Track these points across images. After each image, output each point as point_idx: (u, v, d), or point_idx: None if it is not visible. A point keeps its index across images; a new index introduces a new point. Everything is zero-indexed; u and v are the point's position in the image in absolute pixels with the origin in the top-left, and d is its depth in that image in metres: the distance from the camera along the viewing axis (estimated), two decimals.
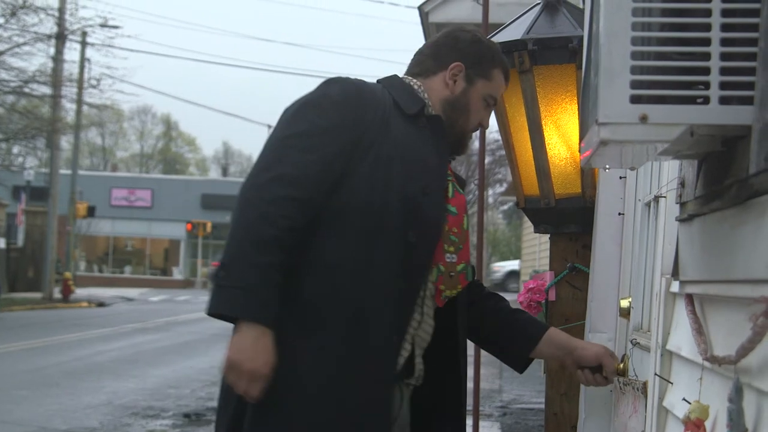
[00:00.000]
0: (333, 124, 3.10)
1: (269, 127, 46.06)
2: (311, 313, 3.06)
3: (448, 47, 3.43)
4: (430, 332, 3.34)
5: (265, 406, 3.03)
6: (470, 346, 3.71)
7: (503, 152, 5.86)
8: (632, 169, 3.87)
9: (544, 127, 4.80)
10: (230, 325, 3.04)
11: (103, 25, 35.79)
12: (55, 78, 33.75)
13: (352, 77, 3.29)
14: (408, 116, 3.27)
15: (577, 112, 4.65)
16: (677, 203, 2.85)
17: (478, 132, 4.01)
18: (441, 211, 3.26)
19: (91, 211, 41.23)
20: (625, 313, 4.16)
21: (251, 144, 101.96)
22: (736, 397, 2.05)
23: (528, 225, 33.60)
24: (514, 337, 3.66)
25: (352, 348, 3.05)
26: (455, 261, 3.30)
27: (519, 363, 3.69)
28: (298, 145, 3.05)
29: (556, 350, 3.65)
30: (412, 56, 3.52)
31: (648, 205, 3.97)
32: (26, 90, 33.34)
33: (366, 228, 3.08)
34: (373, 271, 3.07)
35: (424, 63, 3.44)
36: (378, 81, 3.41)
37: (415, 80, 3.41)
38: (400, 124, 3.22)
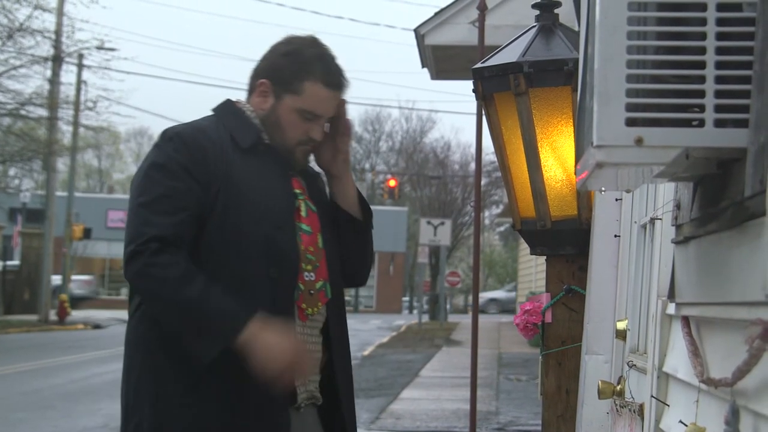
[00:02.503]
0: (183, 182, 3.17)
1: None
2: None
3: (265, 61, 3.38)
4: (318, 355, 3.40)
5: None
6: (466, 369, 3.71)
7: (499, 174, 5.87)
8: (628, 191, 3.88)
9: (540, 149, 4.81)
10: None
11: (99, 48, 35.82)
12: (52, 100, 33.77)
13: (187, 125, 3.30)
14: (245, 149, 3.29)
15: (572, 134, 4.66)
16: (673, 225, 2.85)
17: (474, 153, 3.99)
18: (295, 240, 3.30)
19: (87, 233, 41.15)
20: (622, 335, 4.16)
21: None
22: (733, 419, 2.04)
23: (524, 246, 33.61)
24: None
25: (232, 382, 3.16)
26: (314, 279, 3.35)
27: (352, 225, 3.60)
28: (159, 209, 3.14)
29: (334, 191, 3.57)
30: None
31: (644, 227, 3.97)
32: (23, 112, 33.36)
33: (231, 271, 3.17)
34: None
35: (250, 81, 3.42)
36: (213, 110, 3.39)
37: (246, 104, 3.39)
38: (239, 163, 3.25)
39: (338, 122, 3.45)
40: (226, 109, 3.38)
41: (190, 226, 3.16)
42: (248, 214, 3.22)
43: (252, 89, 3.39)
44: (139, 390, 3.24)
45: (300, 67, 3.31)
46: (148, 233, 3.10)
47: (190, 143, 3.21)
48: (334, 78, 3.38)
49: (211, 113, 3.41)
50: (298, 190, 3.39)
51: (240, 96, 3.48)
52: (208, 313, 3.08)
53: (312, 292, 3.34)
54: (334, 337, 3.47)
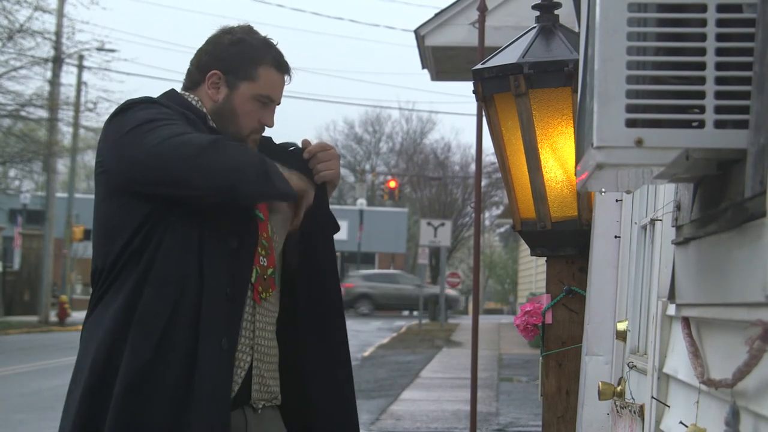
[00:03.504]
0: (170, 113, 3.18)
1: None
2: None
3: (207, 54, 3.35)
4: (274, 350, 3.39)
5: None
6: (467, 370, 3.72)
7: (500, 175, 5.87)
8: (628, 192, 3.88)
9: (540, 150, 4.81)
10: None
11: (99, 49, 35.79)
12: (52, 101, 33.77)
13: (142, 98, 3.27)
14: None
15: (573, 135, 4.67)
16: (673, 226, 2.85)
17: (474, 154, 4.00)
18: (255, 215, 3.32)
19: (87, 234, 41.11)
20: (622, 336, 4.16)
21: None
22: (733, 420, 2.05)
23: (524, 247, 33.64)
24: None
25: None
26: (266, 264, 3.37)
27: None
28: (157, 121, 3.11)
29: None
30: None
31: (644, 228, 3.97)
32: (23, 113, 33.35)
33: (192, 233, 3.15)
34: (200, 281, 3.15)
35: (191, 75, 3.38)
36: (160, 98, 3.34)
37: (189, 95, 3.37)
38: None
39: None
40: (173, 98, 3.34)
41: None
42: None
43: (197, 82, 3.36)
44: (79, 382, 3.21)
45: (252, 54, 3.32)
46: (158, 136, 3.07)
47: (166, 104, 3.24)
48: (283, 62, 3.41)
49: (156, 99, 3.35)
50: None
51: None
52: (245, 162, 3.14)
53: (265, 277, 3.35)
54: (309, 336, 3.45)
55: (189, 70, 3.41)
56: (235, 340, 3.21)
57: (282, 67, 3.40)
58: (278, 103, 3.42)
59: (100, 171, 3.24)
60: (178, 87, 3.45)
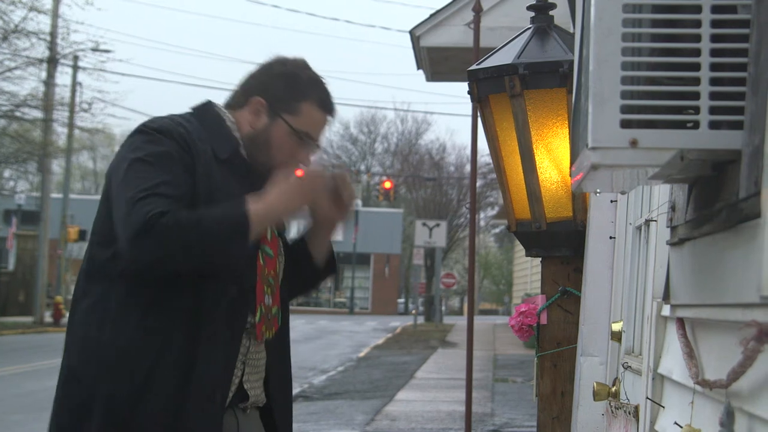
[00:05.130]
0: (173, 151, 3.11)
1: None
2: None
3: (256, 80, 3.32)
4: (263, 361, 3.40)
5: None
6: (462, 371, 3.73)
7: (495, 175, 5.88)
8: (623, 193, 3.89)
9: (535, 150, 4.82)
10: None
11: (94, 50, 35.79)
12: (47, 102, 33.76)
13: (174, 122, 3.21)
14: (221, 160, 3.22)
15: (568, 136, 4.67)
16: (668, 227, 2.86)
17: (470, 155, 3.99)
18: (256, 259, 3.27)
19: (82, 235, 41.08)
20: (617, 336, 4.16)
21: None
22: (728, 421, 2.05)
23: (519, 248, 33.63)
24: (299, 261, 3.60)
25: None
26: (271, 304, 3.34)
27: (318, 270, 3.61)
28: (155, 163, 3.07)
29: (313, 238, 3.57)
30: None
31: (639, 228, 3.98)
32: (18, 114, 33.35)
33: (190, 282, 3.11)
34: (197, 320, 3.12)
35: (236, 95, 3.35)
36: (194, 111, 3.32)
37: (228, 114, 3.32)
38: (216, 173, 3.18)
39: (345, 190, 3.40)
40: (207, 113, 3.31)
41: (187, 185, 3.10)
42: None
43: (239, 104, 3.33)
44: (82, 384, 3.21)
45: (298, 89, 3.29)
46: (149, 182, 3.02)
47: (184, 144, 3.15)
48: (329, 102, 3.38)
49: (189, 111, 3.34)
50: None
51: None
52: (215, 218, 3.03)
53: (269, 316, 3.34)
54: (272, 343, 3.45)
55: (235, 90, 3.37)
56: (227, 390, 3.23)
57: (326, 107, 3.36)
58: (317, 143, 3.38)
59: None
60: (213, 100, 3.40)
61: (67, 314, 3.41)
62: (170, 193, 3.04)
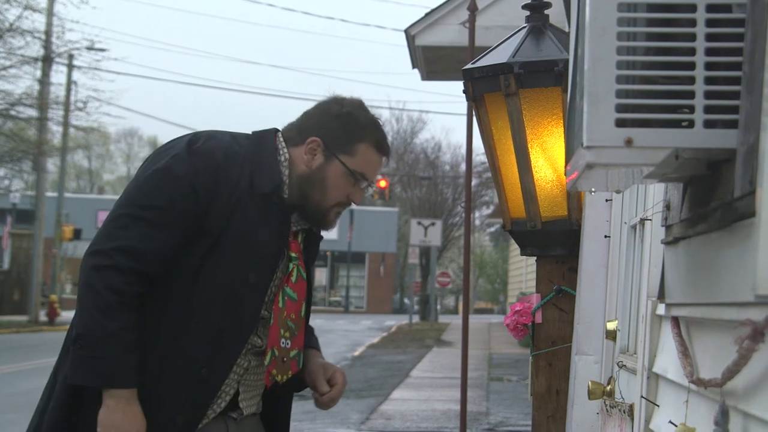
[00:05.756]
0: (186, 205, 3.12)
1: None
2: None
3: (313, 119, 3.33)
4: (261, 377, 3.38)
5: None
6: (457, 369, 3.74)
7: (490, 174, 5.88)
8: (618, 192, 3.89)
9: (530, 149, 4.82)
10: None
11: (89, 48, 35.76)
12: (42, 101, 33.72)
13: (221, 144, 3.22)
14: (258, 194, 3.22)
15: (563, 135, 4.67)
16: (663, 226, 2.86)
17: (465, 154, 4.01)
18: (260, 302, 3.26)
19: (77, 234, 41.07)
20: (612, 335, 4.17)
21: None
22: (722, 420, 2.05)
23: (515, 247, 33.66)
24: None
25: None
26: (289, 347, 3.33)
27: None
28: (149, 218, 3.10)
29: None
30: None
31: (634, 227, 3.98)
32: (12, 113, 33.31)
33: (189, 309, 3.14)
34: (181, 348, 3.15)
35: (291, 131, 3.35)
36: (253, 137, 3.32)
37: (284, 148, 3.32)
38: (248, 205, 3.19)
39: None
40: (264, 142, 3.31)
41: (170, 248, 3.12)
42: (230, 264, 3.17)
43: (295, 141, 3.33)
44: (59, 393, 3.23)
45: (356, 130, 3.30)
46: (123, 241, 3.07)
47: (214, 169, 3.16)
48: (385, 144, 3.40)
49: (250, 135, 3.33)
50: (294, 254, 3.34)
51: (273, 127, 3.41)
52: (106, 352, 3.04)
53: (285, 359, 3.32)
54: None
55: (293, 125, 3.37)
56: (191, 416, 3.23)
57: (382, 149, 3.38)
58: (371, 184, 3.39)
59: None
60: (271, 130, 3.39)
61: (62, 313, 3.43)
62: (157, 231, 3.09)
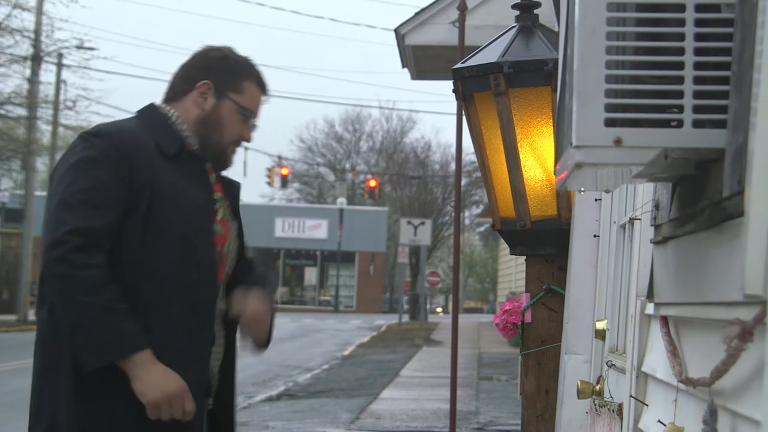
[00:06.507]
0: (111, 178, 3.25)
1: (245, 148, 45.93)
2: None
3: (196, 67, 3.51)
4: (221, 351, 3.55)
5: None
6: (446, 369, 3.75)
7: (480, 174, 5.88)
8: (607, 191, 3.89)
9: (519, 149, 4.82)
10: None
11: (79, 47, 35.67)
12: (31, 99, 33.63)
13: (115, 125, 3.41)
14: (169, 156, 3.38)
15: (552, 134, 4.67)
16: (652, 225, 2.86)
17: (454, 153, 4.07)
18: (213, 245, 3.43)
19: None
20: (601, 335, 4.17)
21: None
22: (711, 419, 2.05)
23: (504, 247, 33.66)
24: None
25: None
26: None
27: None
28: (84, 200, 3.21)
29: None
30: None
31: (623, 227, 3.99)
32: (1, 112, 33.21)
33: (150, 273, 3.26)
34: (160, 309, 3.28)
35: (176, 86, 3.52)
36: (138, 114, 3.49)
37: (170, 109, 3.49)
38: (164, 169, 3.35)
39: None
40: (151, 114, 3.48)
41: (115, 220, 3.23)
42: (171, 219, 3.32)
43: (182, 92, 3.49)
44: (56, 389, 3.29)
45: (240, 69, 3.51)
46: (71, 224, 3.16)
47: (120, 144, 3.30)
48: (265, 81, 3.60)
49: (134, 115, 3.50)
50: (218, 194, 3.52)
51: None
52: (106, 327, 3.13)
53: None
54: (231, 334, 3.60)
55: (173, 82, 3.53)
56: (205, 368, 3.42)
57: (263, 86, 3.58)
58: (257, 120, 3.56)
59: None
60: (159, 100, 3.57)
61: None
62: (96, 210, 3.21)
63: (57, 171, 3.31)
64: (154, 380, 3.15)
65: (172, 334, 3.26)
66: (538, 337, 4.96)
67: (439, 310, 68.89)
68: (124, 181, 3.25)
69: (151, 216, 3.27)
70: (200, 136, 3.45)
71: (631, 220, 3.65)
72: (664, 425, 2.57)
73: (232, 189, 3.62)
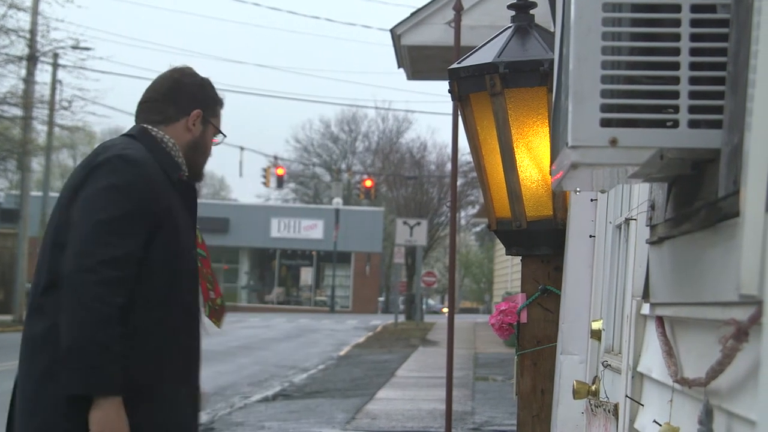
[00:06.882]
0: (138, 207, 3.42)
1: (241, 149, 45.98)
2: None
3: (185, 95, 3.70)
4: None
5: None
6: (442, 369, 3.78)
7: (475, 174, 5.89)
8: (603, 191, 3.90)
9: (515, 149, 4.82)
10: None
11: (74, 47, 35.63)
12: (27, 100, 33.59)
13: (138, 152, 3.53)
14: (173, 183, 3.60)
15: (548, 134, 4.67)
16: (647, 226, 2.86)
17: (450, 154, 4.19)
18: (195, 262, 3.68)
19: None
20: (597, 335, 4.17)
21: (223, 166, 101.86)
22: (706, 419, 2.05)
23: (500, 247, 33.64)
24: None
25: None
26: (215, 297, 3.85)
27: None
28: (116, 230, 3.36)
29: None
30: (145, 95, 3.73)
31: (619, 227, 3.99)
32: None
33: (164, 293, 3.47)
34: (171, 333, 3.50)
35: (164, 111, 3.68)
36: (137, 137, 3.62)
37: (161, 132, 3.65)
38: (171, 194, 3.56)
39: None
40: (150, 139, 3.63)
41: (140, 249, 3.39)
42: (180, 246, 3.55)
43: (171, 118, 3.66)
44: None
45: (215, 96, 3.79)
46: (103, 255, 3.31)
47: (146, 174, 3.48)
48: (223, 102, 3.86)
49: (130, 138, 3.62)
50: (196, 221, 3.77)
51: None
52: (99, 362, 3.27)
53: (217, 307, 3.83)
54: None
55: (158, 105, 3.69)
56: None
57: (223, 105, 3.86)
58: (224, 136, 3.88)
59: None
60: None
61: None
62: (125, 239, 3.38)
63: (85, 188, 3.42)
64: (114, 420, 3.29)
65: (180, 352, 3.53)
66: (533, 338, 4.96)
67: (445, 310, 68.99)
68: (150, 211, 3.43)
69: (168, 245, 3.48)
70: (188, 160, 3.68)
71: (627, 221, 3.66)
72: (660, 425, 2.57)
73: (195, 199, 3.80)
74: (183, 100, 3.68)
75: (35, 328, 3.43)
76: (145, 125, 3.66)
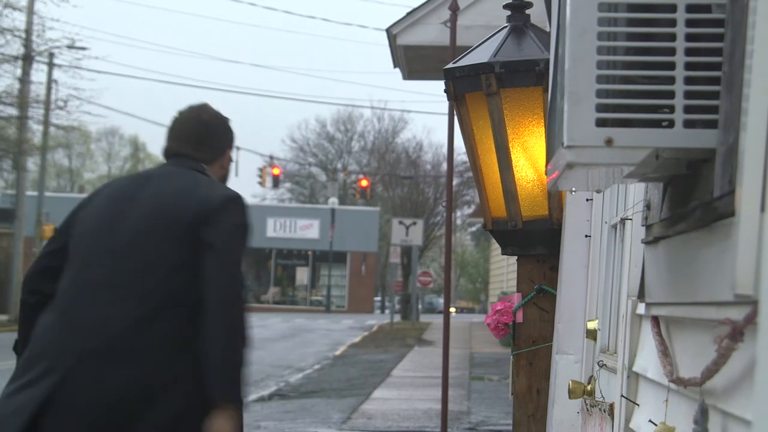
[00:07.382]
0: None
1: (237, 148, 45.88)
2: None
3: (218, 137, 3.96)
4: None
5: None
6: (438, 369, 3.78)
7: (471, 174, 5.89)
8: (598, 191, 3.90)
9: (511, 149, 4.82)
10: None
11: (70, 47, 35.62)
12: (22, 99, 33.57)
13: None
14: None
15: (544, 134, 4.68)
16: (643, 225, 2.87)
17: (446, 154, 4.23)
18: None
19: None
20: (592, 335, 4.18)
21: None
22: (702, 418, 2.05)
23: (496, 247, 33.66)
24: None
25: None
26: None
27: None
28: (242, 262, 3.70)
29: None
30: (181, 134, 3.90)
31: (614, 227, 3.99)
32: None
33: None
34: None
35: (206, 150, 3.92)
36: (205, 174, 3.84)
37: (210, 174, 3.90)
38: None
39: None
40: (211, 177, 3.87)
41: None
42: None
43: (213, 158, 3.91)
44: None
45: (233, 133, 4.02)
46: (244, 284, 3.63)
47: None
48: None
49: (200, 173, 3.83)
50: None
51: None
52: (244, 378, 3.58)
53: None
54: None
55: (197, 147, 3.89)
56: None
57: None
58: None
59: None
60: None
61: None
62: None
63: (233, 227, 3.64)
64: (236, 428, 3.53)
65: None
66: (529, 337, 4.96)
67: (452, 310, 69.02)
68: None
69: None
70: None
71: (623, 220, 3.66)
72: (655, 425, 2.57)
73: None
74: (216, 142, 3.95)
75: (120, 380, 3.51)
76: (202, 164, 3.89)
